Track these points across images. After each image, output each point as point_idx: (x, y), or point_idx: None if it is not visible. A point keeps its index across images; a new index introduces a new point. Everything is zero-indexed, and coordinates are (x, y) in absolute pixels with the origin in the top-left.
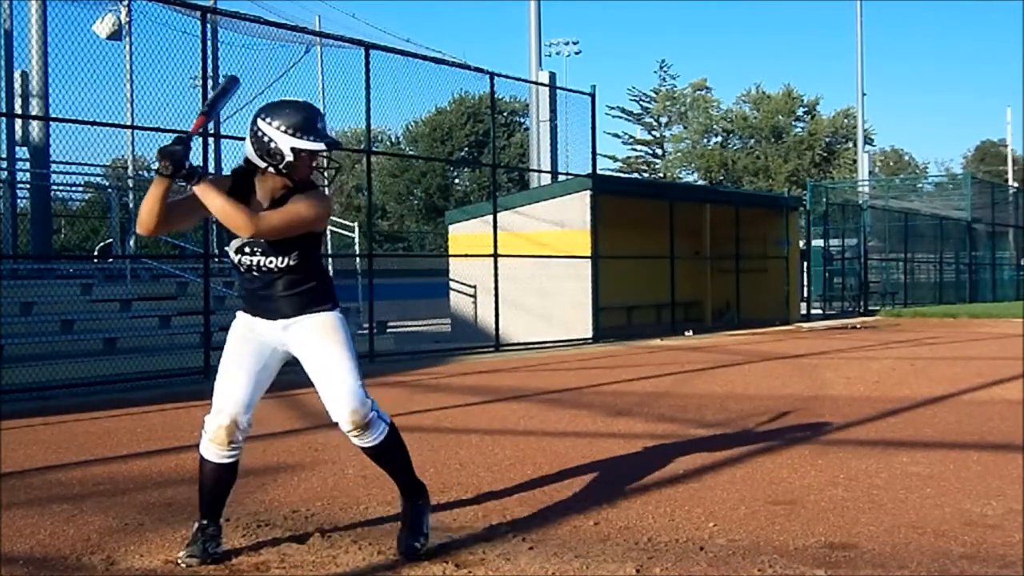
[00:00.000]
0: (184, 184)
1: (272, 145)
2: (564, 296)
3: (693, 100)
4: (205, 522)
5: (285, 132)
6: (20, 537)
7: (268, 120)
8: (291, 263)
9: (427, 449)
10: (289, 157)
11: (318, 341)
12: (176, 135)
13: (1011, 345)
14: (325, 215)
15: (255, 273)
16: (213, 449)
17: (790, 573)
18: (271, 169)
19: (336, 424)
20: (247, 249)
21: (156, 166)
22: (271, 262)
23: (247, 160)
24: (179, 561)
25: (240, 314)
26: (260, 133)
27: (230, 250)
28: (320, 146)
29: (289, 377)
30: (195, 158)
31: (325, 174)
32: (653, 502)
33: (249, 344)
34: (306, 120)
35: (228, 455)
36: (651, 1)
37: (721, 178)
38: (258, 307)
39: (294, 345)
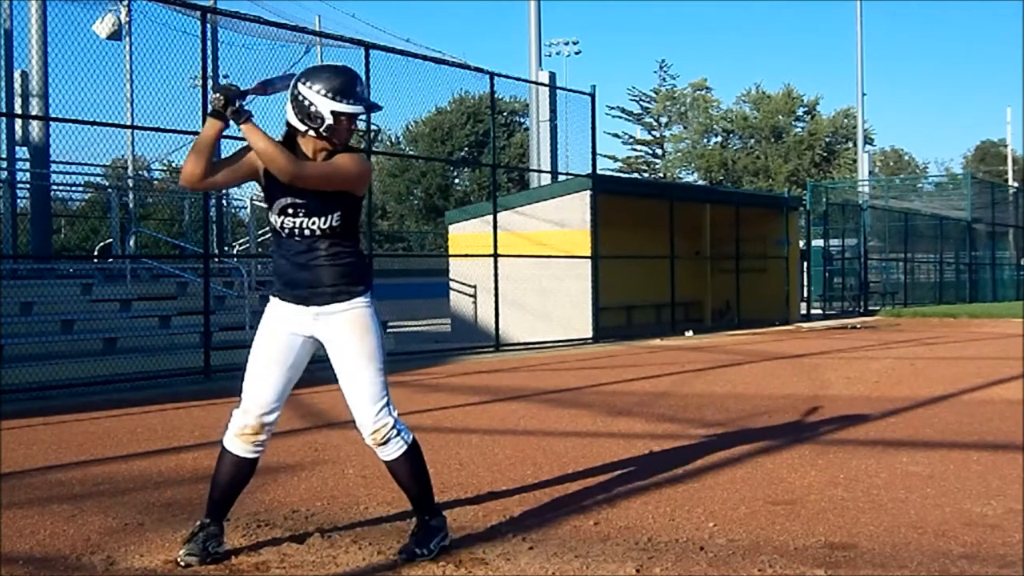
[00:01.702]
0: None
1: (312, 109)
2: (564, 296)
3: (693, 100)
4: (208, 520)
5: (325, 96)
6: (20, 537)
7: (309, 84)
8: (333, 224)
9: (427, 449)
10: (329, 120)
11: (349, 344)
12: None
13: (1011, 345)
14: (365, 174)
15: (296, 239)
16: (238, 443)
17: (790, 573)
18: (312, 132)
19: (336, 424)
20: (290, 210)
21: (210, 107)
22: (314, 223)
23: (288, 125)
24: (179, 560)
25: (272, 302)
26: (301, 97)
27: (273, 213)
28: (359, 109)
29: None
30: None
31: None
32: (653, 502)
33: (280, 338)
34: (345, 84)
35: (252, 451)
36: (651, 1)
37: (721, 178)
38: (294, 284)
39: (325, 337)
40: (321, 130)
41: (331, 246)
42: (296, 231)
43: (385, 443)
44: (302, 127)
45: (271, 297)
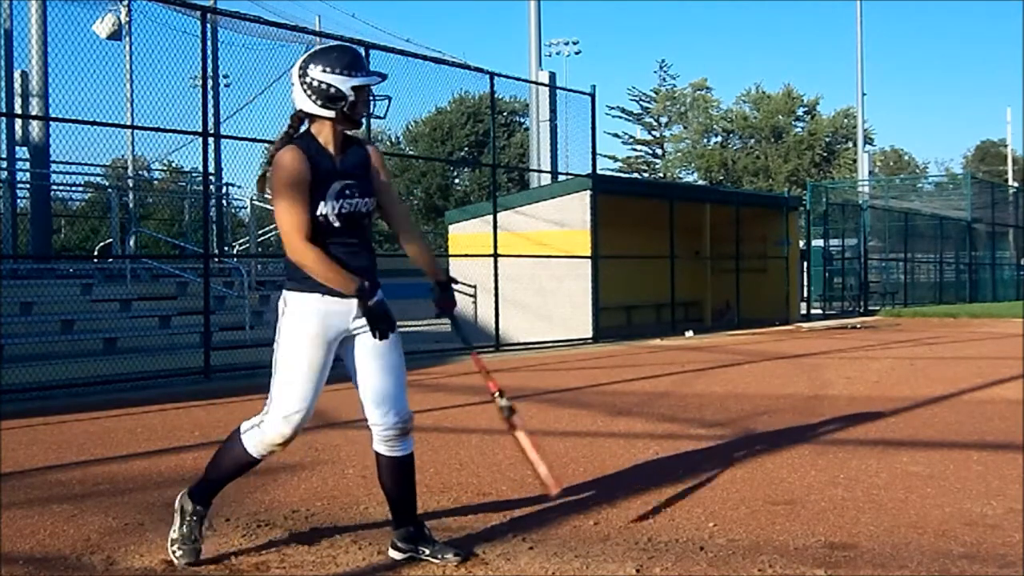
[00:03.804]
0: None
1: (332, 90)
2: (564, 296)
3: (693, 100)
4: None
5: (342, 73)
6: (20, 537)
7: (322, 67)
8: (372, 205)
9: (427, 449)
10: (351, 97)
11: (394, 336)
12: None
13: (1011, 345)
14: None
15: (353, 220)
16: (268, 450)
17: (790, 573)
18: (331, 115)
19: (336, 424)
20: (347, 191)
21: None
22: (366, 204)
23: (299, 116)
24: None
25: (315, 299)
26: (317, 82)
27: (330, 199)
28: (375, 79)
29: None
30: (195, 159)
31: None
32: (653, 502)
33: (327, 343)
34: (355, 58)
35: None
36: (651, 1)
37: (721, 178)
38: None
39: (365, 331)
40: (345, 109)
41: (367, 231)
42: (355, 215)
43: (407, 433)
44: (326, 112)
45: (315, 296)
